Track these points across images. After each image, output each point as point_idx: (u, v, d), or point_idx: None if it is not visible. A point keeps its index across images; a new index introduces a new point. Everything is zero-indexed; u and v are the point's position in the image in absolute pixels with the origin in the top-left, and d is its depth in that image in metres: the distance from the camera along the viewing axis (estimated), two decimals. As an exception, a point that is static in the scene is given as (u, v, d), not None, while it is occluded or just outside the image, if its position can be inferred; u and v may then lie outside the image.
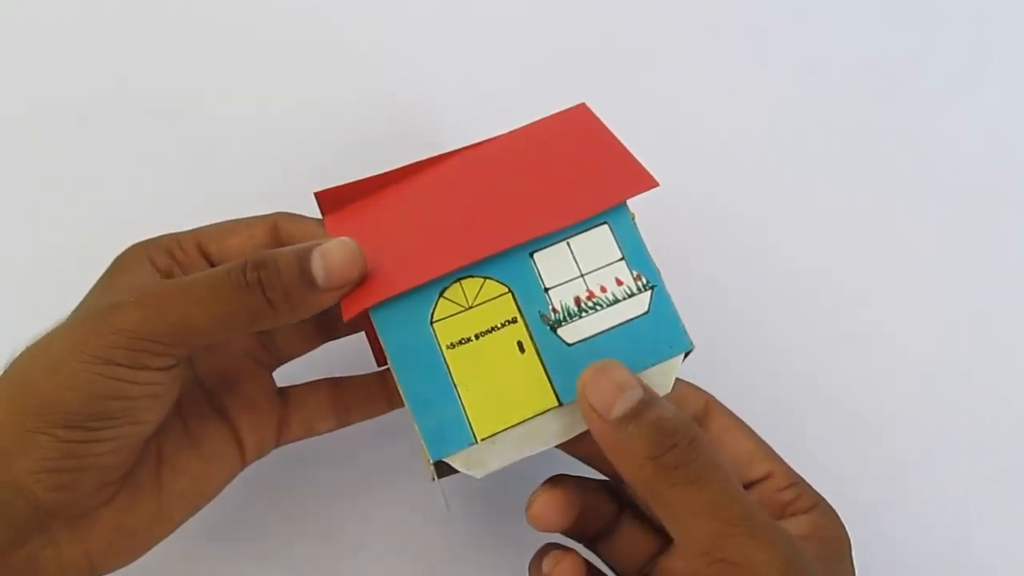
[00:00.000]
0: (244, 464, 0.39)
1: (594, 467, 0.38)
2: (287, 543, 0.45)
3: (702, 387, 0.39)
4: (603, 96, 0.50)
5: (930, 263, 0.52)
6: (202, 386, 0.39)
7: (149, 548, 0.36)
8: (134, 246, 0.37)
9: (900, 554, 0.46)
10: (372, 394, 0.41)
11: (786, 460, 0.37)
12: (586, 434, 0.33)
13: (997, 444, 0.48)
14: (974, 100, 0.56)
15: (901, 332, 0.50)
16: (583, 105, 0.39)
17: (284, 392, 0.41)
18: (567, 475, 0.36)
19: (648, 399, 0.31)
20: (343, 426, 0.41)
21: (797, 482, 0.36)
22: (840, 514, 0.35)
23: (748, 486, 0.36)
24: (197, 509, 0.38)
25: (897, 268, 0.51)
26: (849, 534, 0.35)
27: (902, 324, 0.50)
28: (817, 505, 0.35)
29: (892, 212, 0.53)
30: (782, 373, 0.49)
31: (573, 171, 0.36)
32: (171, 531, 0.37)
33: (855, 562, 0.34)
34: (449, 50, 0.55)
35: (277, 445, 0.40)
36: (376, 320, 0.33)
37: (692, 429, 0.31)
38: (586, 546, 0.38)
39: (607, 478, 0.38)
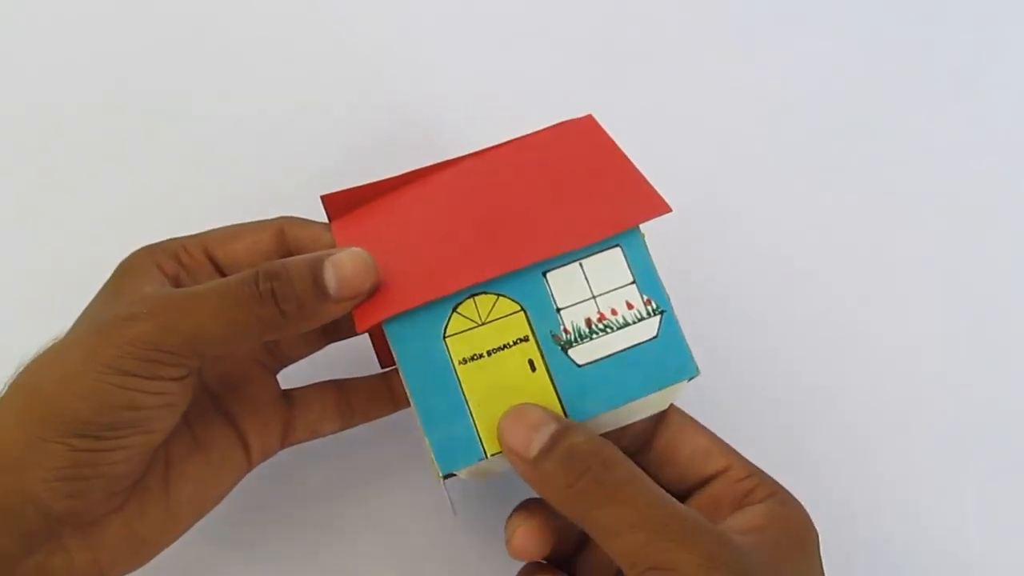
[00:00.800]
0: (250, 467, 0.39)
1: None
2: (291, 543, 0.45)
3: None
4: (603, 96, 0.50)
5: (930, 263, 0.52)
6: (208, 391, 0.39)
7: (157, 552, 0.37)
8: (139, 251, 0.37)
9: (899, 552, 0.46)
10: (376, 396, 0.42)
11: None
12: None
13: (996, 443, 0.48)
14: (975, 100, 0.56)
15: (900, 332, 0.50)
16: (590, 116, 0.39)
17: (288, 395, 0.41)
18: (534, 499, 0.36)
19: (560, 431, 0.32)
20: (347, 428, 0.42)
21: (754, 473, 0.36)
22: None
23: (707, 480, 0.37)
24: (204, 513, 0.38)
25: (897, 268, 0.52)
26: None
27: (901, 324, 0.50)
28: (775, 494, 0.35)
29: (892, 212, 0.53)
30: (781, 373, 0.49)
31: (585, 189, 0.36)
32: (179, 535, 0.37)
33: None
34: (449, 50, 0.55)
35: (282, 447, 0.40)
36: (390, 333, 0.33)
37: (603, 451, 0.32)
38: (559, 567, 0.38)
39: None
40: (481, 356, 0.33)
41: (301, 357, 0.42)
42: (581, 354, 0.33)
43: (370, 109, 0.53)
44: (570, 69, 0.55)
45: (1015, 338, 0.50)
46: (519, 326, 0.33)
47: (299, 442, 0.41)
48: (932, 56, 0.57)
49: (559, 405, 0.32)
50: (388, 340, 0.33)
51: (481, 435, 0.32)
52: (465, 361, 0.33)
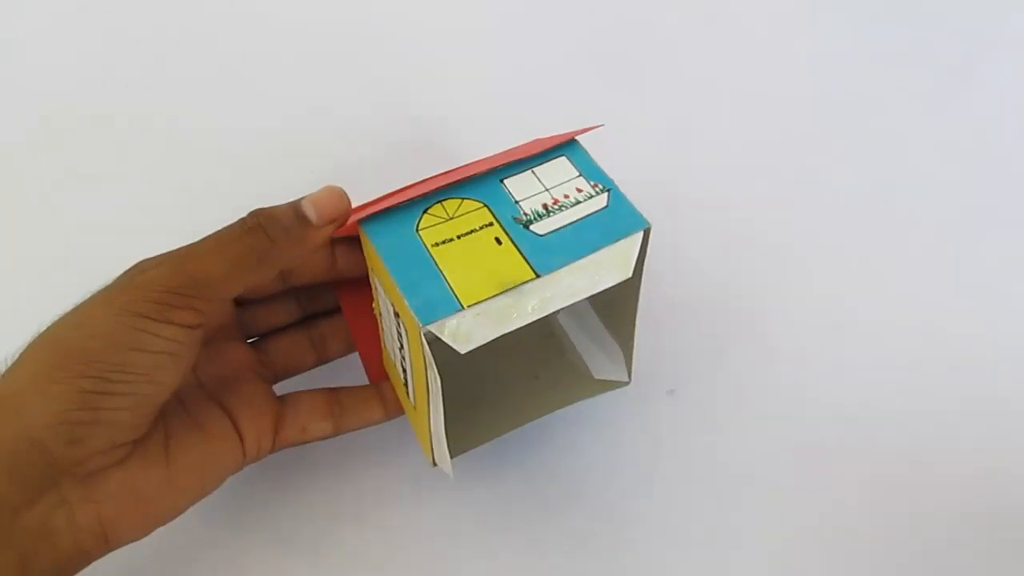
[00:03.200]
0: (245, 456, 0.41)
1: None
2: (293, 527, 0.45)
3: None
4: (604, 97, 0.54)
5: (926, 261, 0.53)
6: (204, 388, 0.42)
7: (160, 522, 0.38)
8: (142, 262, 0.40)
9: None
10: (366, 400, 0.44)
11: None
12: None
13: (997, 441, 0.47)
14: (970, 99, 0.59)
15: (899, 328, 0.51)
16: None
17: (281, 397, 0.43)
18: None
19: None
20: (338, 432, 0.44)
21: None
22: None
23: None
24: (204, 491, 0.40)
25: (895, 265, 0.53)
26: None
27: (900, 321, 0.51)
28: None
29: (891, 211, 0.55)
30: (781, 372, 0.50)
31: (534, 148, 0.41)
32: (181, 508, 0.39)
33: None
34: (452, 53, 0.59)
35: (274, 444, 0.42)
36: (367, 230, 0.37)
37: None
38: None
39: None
40: (452, 240, 0.37)
41: (293, 371, 0.45)
42: (542, 227, 0.37)
43: (370, 108, 0.56)
44: (571, 71, 0.58)
45: (1013, 335, 0.51)
46: (484, 217, 0.37)
47: (292, 441, 0.43)
48: (928, 55, 0.60)
49: (526, 263, 0.36)
50: (365, 237, 0.37)
51: (457, 293, 0.35)
52: (437, 244, 0.36)
